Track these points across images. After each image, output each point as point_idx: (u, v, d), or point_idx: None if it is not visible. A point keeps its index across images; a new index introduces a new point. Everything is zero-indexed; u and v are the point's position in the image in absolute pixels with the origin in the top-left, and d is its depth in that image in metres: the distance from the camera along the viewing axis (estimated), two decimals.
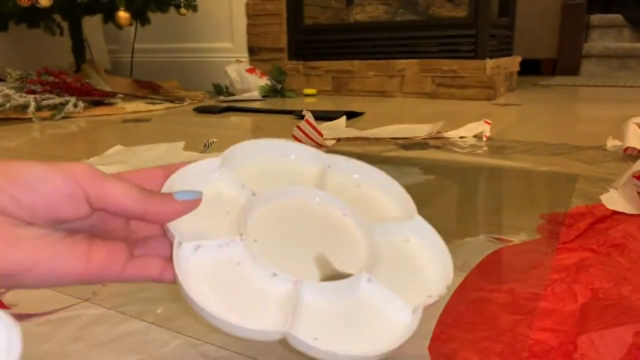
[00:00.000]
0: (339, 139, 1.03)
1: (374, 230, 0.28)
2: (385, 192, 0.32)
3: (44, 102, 1.41)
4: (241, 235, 0.26)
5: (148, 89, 1.88)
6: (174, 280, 0.24)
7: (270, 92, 1.90)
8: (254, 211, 0.27)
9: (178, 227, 0.25)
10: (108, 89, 1.72)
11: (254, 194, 0.28)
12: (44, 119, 1.36)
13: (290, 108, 1.51)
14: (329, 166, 0.32)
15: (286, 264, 0.25)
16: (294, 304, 0.23)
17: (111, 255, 0.23)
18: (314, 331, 0.23)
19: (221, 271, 0.25)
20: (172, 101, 1.72)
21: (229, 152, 0.30)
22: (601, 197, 0.56)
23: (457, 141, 1.02)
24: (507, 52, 2.04)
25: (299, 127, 0.97)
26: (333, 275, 0.26)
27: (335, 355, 0.22)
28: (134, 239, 0.26)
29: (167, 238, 0.26)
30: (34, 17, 1.65)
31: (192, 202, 0.25)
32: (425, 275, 0.29)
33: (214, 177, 0.28)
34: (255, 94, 1.84)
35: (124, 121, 1.39)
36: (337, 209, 0.29)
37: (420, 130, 1.07)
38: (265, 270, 0.24)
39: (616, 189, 0.60)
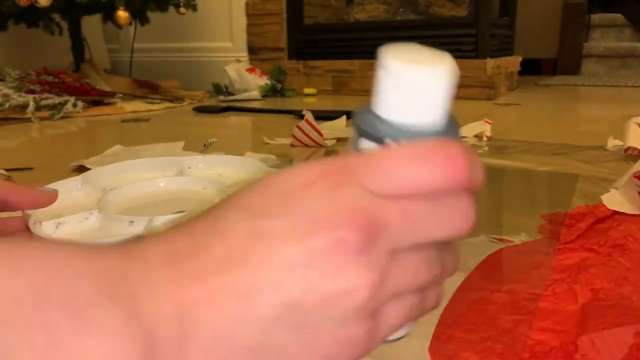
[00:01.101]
0: (339, 139, 1.03)
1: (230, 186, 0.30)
2: (246, 169, 0.33)
3: (43, 102, 1.40)
4: (99, 210, 0.27)
5: (147, 88, 1.88)
6: None
7: (270, 92, 1.90)
8: (112, 196, 0.29)
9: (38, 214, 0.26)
10: (107, 88, 1.71)
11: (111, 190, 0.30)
12: (43, 118, 1.36)
13: (290, 108, 1.51)
14: (189, 167, 0.34)
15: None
16: (146, 232, 0.24)
17: None
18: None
19: (84, 236, 0.26)
20: (171, 101, 1.71)
21: (88, 173, 0.32)
22: (602, 197, 0.56)
23: None
24: (508, 51, 2.04)
25: (298, 127, 0.97)
26: None
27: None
28: None
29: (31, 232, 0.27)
30: (33, 16, 1.65)
31: (52, 193, 0.27)
32: None
33: (77, 192, 0.30)
34: (255, 93, 1.84)
35: (124, 121, 1.39)
36: (196, 185, 0.31)
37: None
38: (123, 222, 0.25)
39: (617, 189, 0.60)
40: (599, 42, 2.73)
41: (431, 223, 0.14)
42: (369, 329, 0.14)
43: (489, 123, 1.05)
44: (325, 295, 0.13)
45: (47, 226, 0.26)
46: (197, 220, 0.14)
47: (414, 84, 0.13)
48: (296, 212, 0.13)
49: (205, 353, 0.13)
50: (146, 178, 0.33)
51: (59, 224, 0.26)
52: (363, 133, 0.15)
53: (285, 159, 0.89)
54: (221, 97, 1.87)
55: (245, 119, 1.46)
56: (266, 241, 0.13)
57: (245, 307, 0.13)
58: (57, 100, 1.42)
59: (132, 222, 0.25)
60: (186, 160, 0.34)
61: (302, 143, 0.98)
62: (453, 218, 0.15)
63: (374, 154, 0.14)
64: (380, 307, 0.14)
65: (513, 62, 2.03)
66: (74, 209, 0.28)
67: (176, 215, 0.25)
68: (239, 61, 1.97)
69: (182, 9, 1.80)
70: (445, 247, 0.16)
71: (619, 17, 2.69)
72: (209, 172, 0.34)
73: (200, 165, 0.34)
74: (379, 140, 0.15)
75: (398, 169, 0.14)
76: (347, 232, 0.13)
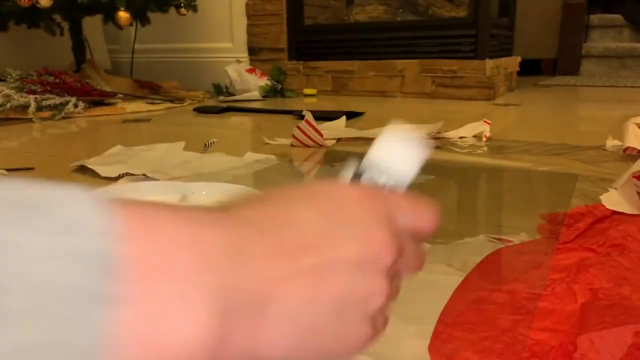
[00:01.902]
0: (339, 139, 1.03)
1: None
2: None
3: (44, 102, 1.41)
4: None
5: (148, 89, 1.88)
6: None
7: (270, 92, 1.90)
8: None
9: None
10: (108, 89, 1.72)
11: None
12: (44, 119, 1.36)
13: (290, 108, 1.51)
14: (192, 193, 0.35)
15: None
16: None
17: None
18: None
19: None
20: (172, 101, 1.72)
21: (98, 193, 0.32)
22: (601, 197, 0.56)
23: (457, 141, 1.02)
24: (507, 52, 2.04)
25: (299, 127, 0.97)
26: None
27: None
28: None
29: None
30: (34, 17, 1.65)
31: None
32: None
33: None
34: (255, 94, 1.84)
35: (124, 121, 1.39)
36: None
37: (420, 131, 1.07)
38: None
39: (616, 189, 0.60)
40: (598, 42, 2.73)
41: (415, 260, 0.19)
42: (372, 331, 0.17)
43: (488, 123, 1.05)
44: (364, 294, 0.16)
45: None
46: (259, 209, 0.16)
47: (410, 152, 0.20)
48: (355, 224, 0.16)
49: (277, 329, 0.14)
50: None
51: None
52: (372, 171, 0.20)
53: (285, 159, 0.89)
54: (221, 98, 1.88)
55: (246, 120, 1.47)
56: (333, 241, 0.16)
57: (312, 289, 0.15)
58: (58, 100, 1.42)
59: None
60: (190, 186, 0.35)
61: (302, 143, 0.98)
62: (422, 258, 0.20)
63: (397, 197, 0.19)
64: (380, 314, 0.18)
65: (512, 63, 2.03)
66: None
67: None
68: (239, 62, 1.97)
69: (182, 10, 1.80)
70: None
71: (618, 17, 2.69)
72: (210, 200, 0.34)
73: (203, 193, 0.35)
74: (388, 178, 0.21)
75: (413, 214, 0.19)
76: (387, 252, 0.16)
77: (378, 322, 0.17)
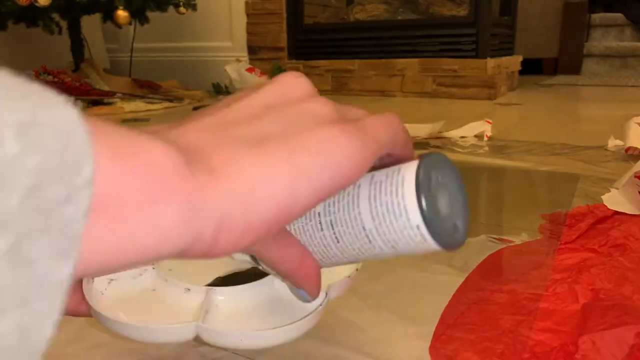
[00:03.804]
0: None
1: None
2: None
3: None
4: (154, 266, 0.27)
5: (147, 88, 1.88)
6: (90, 314, 0.24)
7: None
8: None
9: None
10: (107, 88, 1.71)
11: None
12: None
13: None
14: None
15: (201, 281, 0.26)
16: (206, 306, 0.24)
17: None
18: (225, 322, 0.24)
19: (136, 298, 0.25)
20: (171, 101, 1.71)
21: None
22: (602, 197, 0.56)
23: (458, 141, 1.02)
24: (509, 51, 2.04)
25: None
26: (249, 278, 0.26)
27: (245, 334, 0.23)
28: None
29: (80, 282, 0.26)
30: (32, 16, 1.65)
31: None
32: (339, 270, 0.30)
33: None
34: None
35: (123, 121, 1.39)
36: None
37: (421, 130, 1.07)
38: (178, 288, 0.25)
39: (617, 189, 0.60)
40: (599, 41, 2.73)
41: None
42: (338, 129, 0.17)
43: (490, 123, 1.05)
44: (291, 96, 0.20)
45: (99, 283, 0.25)
46: None
47: None
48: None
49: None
50: None
51: (111, 280, 0.25)
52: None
53: None
54: (221, 97, 1.87)
55: None
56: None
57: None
58: None
59: (189, 289, 0.25)
60: None
61: None
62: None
63: None
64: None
65: (514, 62, 2.02)
66: None
67: (234, 288, 0.25)
68: (238, 61, 1.97)
69: (181, 9, 1.80)
70: None
71: (619, 16, 2.69)
72: None
73: None
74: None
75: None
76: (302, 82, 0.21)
77: (333, 121, 0.17)
